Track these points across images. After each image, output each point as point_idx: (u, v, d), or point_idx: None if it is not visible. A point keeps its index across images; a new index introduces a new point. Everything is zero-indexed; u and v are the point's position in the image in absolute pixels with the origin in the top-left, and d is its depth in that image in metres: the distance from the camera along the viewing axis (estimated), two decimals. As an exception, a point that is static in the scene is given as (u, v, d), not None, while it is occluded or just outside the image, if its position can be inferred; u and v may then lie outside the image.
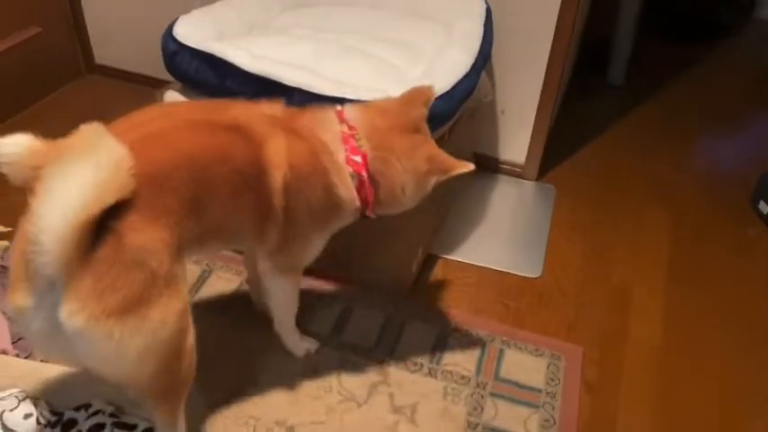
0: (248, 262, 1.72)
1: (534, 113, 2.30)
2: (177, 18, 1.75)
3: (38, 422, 1.38)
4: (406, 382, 1.62)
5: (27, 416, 1.38)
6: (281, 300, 1.57)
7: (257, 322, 1.71)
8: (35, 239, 0.94)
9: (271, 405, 1.54)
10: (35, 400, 1.42)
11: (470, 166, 1.39)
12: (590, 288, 1.97)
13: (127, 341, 1.04)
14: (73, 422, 1.39)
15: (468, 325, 1.80)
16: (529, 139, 2.36)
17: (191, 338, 1.19)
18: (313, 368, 1.63)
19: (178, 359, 1.16)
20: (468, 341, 1.75)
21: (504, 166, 2.45)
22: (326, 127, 1.35)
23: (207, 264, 1.91)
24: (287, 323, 1.61)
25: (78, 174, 0.95)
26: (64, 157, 0.97)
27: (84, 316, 0.99)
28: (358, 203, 1.38)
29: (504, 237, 2.17)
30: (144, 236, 1.05)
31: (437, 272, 1.98)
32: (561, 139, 2.59)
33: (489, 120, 2.37)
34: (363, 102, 1.45)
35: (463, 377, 1.65)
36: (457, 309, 1.86)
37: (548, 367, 1.69)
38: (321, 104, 1.48)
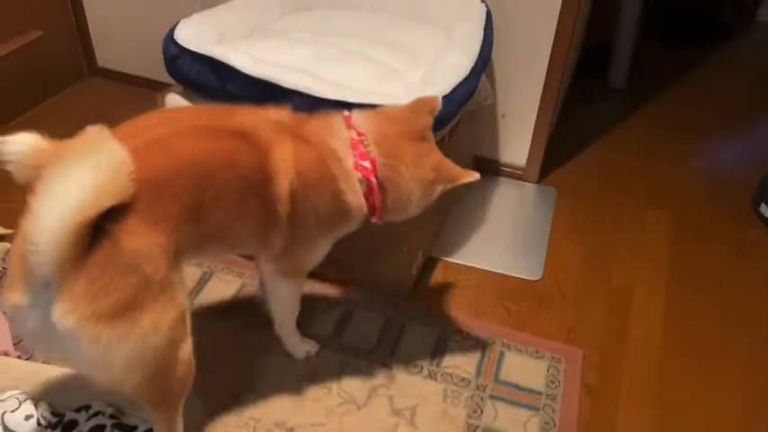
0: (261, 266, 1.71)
1: (535, 116, 2.30)
2: (178, 22, 1.76)
3: (38, 423, 1.38)
4: (405, 384, 1.62)
5: (28, 417, 1.38)
6: (284, 302, 1.57)
7: (258, 324, 1.71)
8: (32, 238, 0.95)
9: (271, 407, 1.54)
10: (36, 402, 1.43)
11: (476, 176, 1.39)
12: (590, 290, 1.97)
13: (114, 346, 1.03)
14: (73, 423, 1.40)
15: (468, 327, 1.80)
16: (529, 142, 2.36)
17: (186, 348, 1.18)
18: (313, 370, 1.63)
19: (169, 369, 1.16)
20: (468, 344, 1.75)
21: (505, 169, 2.45)
22: (335, 133, 1.35)
23: (208, 266, 1.91)
24: (288, 325, 1.62)
25: (77, 175, 0.95)
26: (64, 157, 0.97)
27: (75, 317, 1.00)
28: (365, 210, 1.38)
29: (504, 239, 2.17)
30: (141, 241, 1.05)
31: (437, 274, 1.98)
32: (562, 141, 2.60)
33: (490, 123, 2.37)
34: (370, 108, 1.45)
35: (463, 379, 1.65)
36: (457, 311, 1.86)
37: (548, 370, 1.69)
38: (323, 108, 1.48)
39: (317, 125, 1.36)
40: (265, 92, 1.59)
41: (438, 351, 1.72)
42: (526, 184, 2.43)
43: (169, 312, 1.10)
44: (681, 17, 3.68)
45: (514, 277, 2.00)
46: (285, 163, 1.26)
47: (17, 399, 1.41)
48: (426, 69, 1.76)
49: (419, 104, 1.44)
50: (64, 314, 1.00)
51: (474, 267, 2.01)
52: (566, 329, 1.83)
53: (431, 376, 1.65)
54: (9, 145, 1.04)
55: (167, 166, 1.13)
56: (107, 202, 0.99)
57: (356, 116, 1.39)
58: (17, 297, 1.04)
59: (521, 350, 1.74)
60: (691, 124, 2.91)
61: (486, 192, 2.36)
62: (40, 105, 2.63)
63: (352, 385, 1.61)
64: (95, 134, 1.02)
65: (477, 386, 1.64)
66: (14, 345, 1.60)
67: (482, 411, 1.58)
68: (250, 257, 1.84)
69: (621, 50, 3.08)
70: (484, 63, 1.87)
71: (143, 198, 1.06)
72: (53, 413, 1.42)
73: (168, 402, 1.23)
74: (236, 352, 1.66)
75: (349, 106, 1.53)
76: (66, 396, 1.46)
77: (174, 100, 1.74)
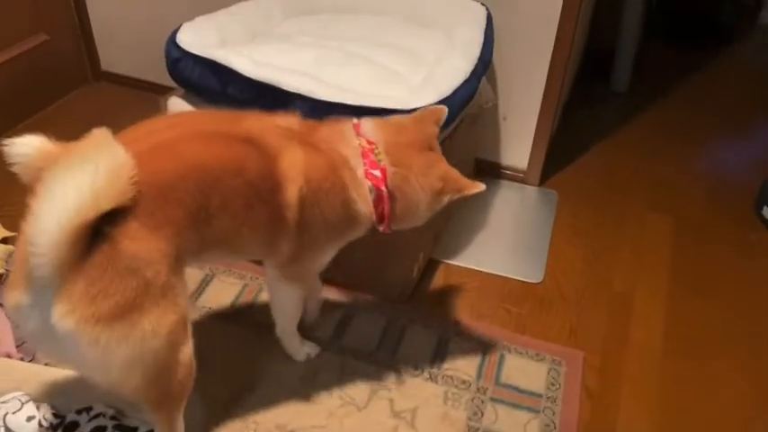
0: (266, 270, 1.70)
1: (536, 119, 2.30)
2: (181, 25, 1.77)
3: (40, 425, 1.39)
4: (406, 386, 1.63)
5: (30, 418, 1.39)
6: (286, 306, 1.57)
7: (258, 326, 1.72)
8: (32, 240, 0.95)
9: (271, 409, 1.54)
10: (38, 403, 1.43)
11: (482, 187, 1.40)
12: (592, 293, 1.97)
13: (113, 348, 1.04)
14: (75, 425, 1.41)
15: (469, 330, 1.80)
16: (531, 145, 2.36)
17: (186, 352, 1.18)
18: (313, 373, 1.64)
19: (169, 372, 1.16)
20: (468, 346, 1.75)
21: (507, 172, 2.45)
22: (346, 141, 1.35)
23: (209, 268, 1.92)
24: (289, 328, 1.62)
25: (75, 178, 0.96)
26: (64, 160, 0.98)
27: (74, 319, 1.00)
28: (374, 218, 1.38)
29: (505, 242, 2.17)
30: (141, 245, 1.05)
31: (439, 277, 1.99)
32: (564, 144, 2.60)
33: (491, 126, 2.38)
34: (375, 114, 1.45)
35: (464, 382, 1.65)
36: (458, 314, 1.86)
37: (548, 372, 1.69)
38: (325, 111, 1.49)
39: (328, 132, 1.35)
40: (267, 95, 1.60)
41: (439, 353, 1.72)
42: (527, 186, 2.43)
43: (169, 316, 1.10)
44: (683, 20, 3.67)
45: (515, 280, 2.00)
46: (294, 170, 1.26)
47: (19, 400, 1.42)
48: (427, 72, 1.77)
49: (426, 114, 1.45)
50: (63, 316, 1.01)
51: (475, 270, 2.02)
52: (566, 332, 1.83)
53: (431, 378, 1.65)
54: (16, 147, 1.05)
55: (172, 170, 1.13)
56: (106, 206, 0.99)
57: (365, 124, 1.39)
58: (18, 297, 1.05)
59: (521, 353, 1.75)
60: (693, 127, 2.91)
61: (487, 194, 2.36)
62: (45, 109, 2.65)
63: (353, 387, 1.61)
64: (97, 137, 1.03)
65: (478, 388, 1.64)
66: (17, 347, 1.61)
67: (483, 414, 1.58)
68: (256, 261, 1.84)
69: (624, 53, 3.08)
70: (484, 66, 1.87)
71: (145, 202, 1.07)
72: (55, 415, 1.42)
73: (169, 404, 1.24)
74: (236, 354, 1.67)
75: (351, 109, 1.54)
76: (67, 398, 1.47)
77: (177, 103, 1.75)
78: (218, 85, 1.65)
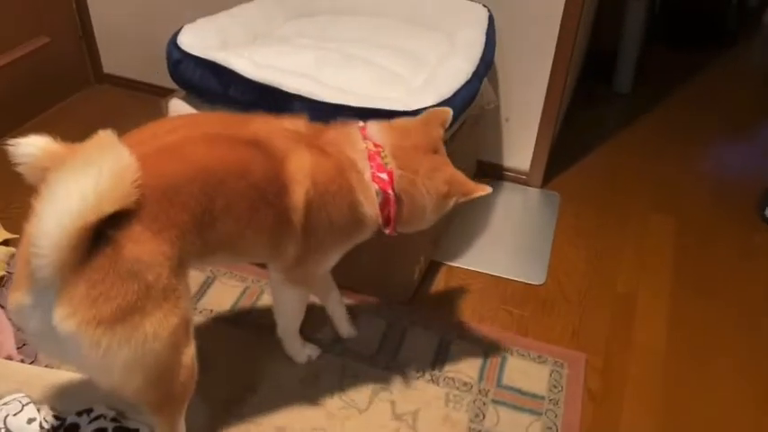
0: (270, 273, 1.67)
1: (538, 121, 2.30)
2: (182, 27, 1.77)
3: (41, 427, 1.39)
4: (407, 388, 1.62)
5: (30, 420, 1.39)
6: (289, 309, 1.57)
7: (259, 329, 1.72)
8: (34, 241, 0.95)
9: (272, 411, 1.54)
10: (39, 405, 1.43)
11: (488, 189, 1.41)
12: (594, 294, 1.97)
13: (114, 351, 1.04)
14: (75, 427, 1.40)
15: (470, 332, 1.79)
16: (533, 147, 2.36)
17: (188, 354, 1.18)
18: (314, 375, 1.63)
19: (170, 374, 1.16)
20: (470, 348, 1.74)
21: (509, 173, 2.45)
22: (353, 144, 1.35)
23: (211, 270, 1.92)
24: (291, 330, 1.62)
25: (79, 180, 0.95)
26: (68, 162, 0.98)
27: (75, 321, 1.00)
28: (381, 221, 1.38)
29: (508, 243, 2.16)
30: (143, 248, 1.05)
31: (440, 279, 1.98)
32: (566, 146, 2.60)
33: (494, 127, 2.37)
34: (381, 118, 1.45)
35: (465, 384, 1.65)
36: (460, 315, 1.85)
37: (551, 374, 1.69)
38: (326, 113, 1.49)
39: (335, 135, 1.35)
40: (267, 96, 1.60)
41: (440, 355, 1.71)
42: (530, 188, 2.43)
43: (171, 319, 1.10)
44: (686, 21, 3.67)
45: (518, 281, 1.99)
46: (301, 172, 1.26)
47: (20, 402, 1.42)
48: (428, 74, 1.76)
49: (431, 117, 1.45)
50: (64, 318, 1.00)
51: (477, 272, 2.01)
52: (569, 334, 1.82)
53: (433, 381, 1.65)
54: (21, 147, 1.05)
55: (176, 173, 1.13)
56: (108, 208, 0.99)
57: (371, 127, 1.39)
58: (20, 297, 1.05)
59: (523, 355, 1.74)
60: (696, 128, 2.90)
61: (489, 196, 2.34)
62: (46, 111, 2.65)
63: (354, 390, 1.61)
64: (103, 139, 1.03)
65: (480, 391, 1.63)
66: (18, 349, 1.61)
67: (484, 416, 1.57)
68: (258, 264, 1.84)
69: (627, 55, 3.08)
70: (486, 67, 1.87)
71: (149, 205, 1.06)
72: (55, 417, 1.42)
73: (171, 407, 1.23)
74: (237, 356, 1.66)
75: (351, 110, 1.54)
76: (68, 399, 1.47)
77: (177, 105, 1.75)
78: (218, 87, 1.65)
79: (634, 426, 1.59)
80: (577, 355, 1.75)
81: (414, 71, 1.78)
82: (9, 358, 1.59)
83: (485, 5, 2.07)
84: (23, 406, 1.41)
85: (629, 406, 1.64)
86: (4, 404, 1.42)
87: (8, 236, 1.91)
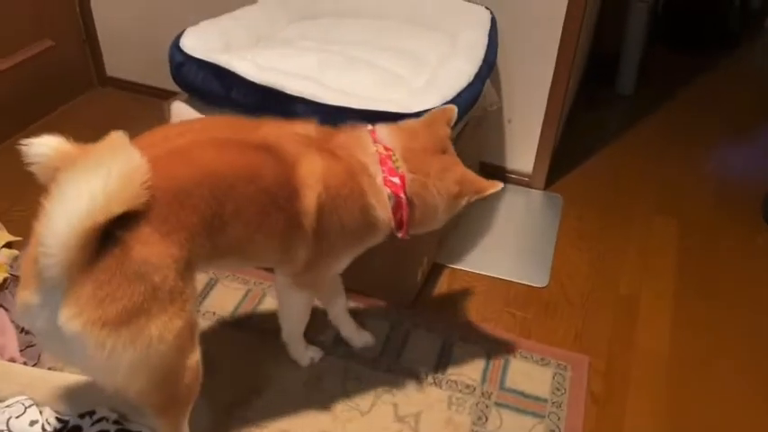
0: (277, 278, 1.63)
1: (541, 123, 2.30)
2: (185, 29, 1.77)
3: (43, 429, 1.39)
4: (410, 391, 1.62)
5: (33, 423, 1.39)
6: (295, 312, 1.57)
7: (262, 332, 1.72)
8: (42, 240, 0.96)
9: (275, 414, 1.54)
10: (41, 408, 1.44)
11: (499, 185, 1.40)
12: (597, 297, 1.96)
13: (119, 352, 1.04)
14: (77, 429, 1.40)
15: (473, 334, 1.79)
16: (536, 149, 2.36)
17: (193, 358, 1.18)
18: (317, 377, 1.63)
19: (175, 377, 1.16)
20: (473, 350, 1.74)
21: (512, 176, 2.44)
22: (365, 148, 1.35)
23: (213, 273, 1.92)
24: (296, 334, 1.62)
25: (89, 181, 0.96)
26: (79, 162, 0.98)
27: (81, 321, 1.00)
28: (393, 225, 1.38)
29: (511, 246, 2.16)
30: (151, 250, 1.05)
31: (443, 281, 1.98)
32: (569, 148, 2.59)
33: (496, 129, 2.37)
34: (392, 122, 1.45)
35: (468, 386, 1.64)
36: (463, 318, 1.85)
37: (553, 377, 1.68)
38: (328, 115, 1.49)
39: (346, 139, 1.35)
40: (270, 99, 1.60)
41: (443, 358, 1.71)
42: (532, 190, 2.43)
43: (176, 322, 1.09)
44: (688, 23, 3.66)
45: (520, 284, 1.99)
46: (312, 177, 1.25)
47: (22, 404, 1.42)
48: (430, 75, 1.76)
49: (436, 116, 1.45)
50: (70, 318, 1.01)
51: (480, 274, 2.01)
52: (572, 336, 1.82)
53: (435, 383, 1.64)
54: (35, 147, 1.05)
55: (187, 176, 1.13)
56: (117, 209, 0.99)
57: (380, 130, 1.39)
58: (28, 296, 1.05)
59: (526, 357, 1.73)
60: (699, 130, 2.90)
61: (492, 198, 2.35)
62: (50, 114, 2.66)
63: (357, 392, 1.60)
64: (114, 141, 1.03)
65: (482, 393, 1.63)
66: (21, 351, 1.61)
67: (487, 419, 1.57)
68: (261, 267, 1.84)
69: (629, 57, 3.07)
70: (488, 69, 1.87)
71: (158, 207, 1.06)
72: (58, 419, 1.42)
73: (175, 410, 1.23)
74: (240, 359, 1.66)
75: (354, 113, 1.54)
76: (70, 402, 1.47)
77: (180, 108, 1.75)
78: (221, 90, 1.66)
79: (637, 428, 1.59)
80: (580, 357, 1.74)
81: (416, 73, 1.78)
82: (12, 360, 1.59)
83: (487, 7, 2.07)
84: (26, 408, 1.42)
85: (632, 408, 1.63)
86: (7, 406, 1.42)
87: (11, 238, 1.91)
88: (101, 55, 2.83)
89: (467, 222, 2.20)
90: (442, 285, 1.97)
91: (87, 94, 2.83)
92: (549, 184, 2.43)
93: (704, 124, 2.94)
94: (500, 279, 2.00)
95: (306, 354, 1.65)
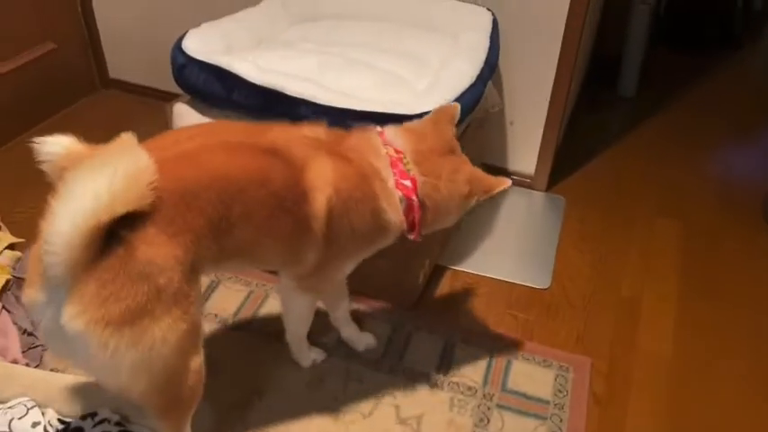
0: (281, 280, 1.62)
1: (543, 124, 2.30)
2: (187, 31, 1.77)
3: (45, 430, 1.39)
4: (412, 393, 1.62)
5: (35, 424, 1.39)
6: (298, 315, 1.57)
7: (264, 333, 1.72)
8: (47, 239, 0.96)
9: (277, 415, 1.54)
10: (43, 409, 1.44)
11: (508, 182, 1.41)
12: (599, 299, 1.96)
13: (122, 353, 1.04)
14: (79, 430, 1.40)
15: (475, 336, 1.79)
16: (538, 150, 2.36)
17: (197, 360, 1.18)
18: (320, 379, 1.63)
19: (178, 380, 1.16)
20: (475, 352, 1.74)
21: (513, 177, 2.43)
22: (375, 150, 1.35)
23: (215, 275, 1.92)
24: (300, 335, 1.62)
25: (94, 180, 0.96)
26: (85, 162, 0.98)
27: (84, 320, 1.00)
28: (405, 227, 1.38)
29: (512, 248, 2.16)
30: (156, 250, 1.05)
31: (445, 283, 1.98)
32: (571, 150, 2.59)
33: (498, 130, 2.37)
34: (399, 124, 1.45)
35: (470, 388, 1.64)
36: (464, 320, 1.85)
37: (555, 379, 1.68)
38: (329, 116, 1.49)
39: (356, 142, 1.35)
40: (271, 100, 1.60)
41: (445, 360, 1.71)
42: (534, 192, 2.42)
43: (180, 324, 1.09)
44: (691, 24, 3.66)
45: (522, 286, 1.99)
46: (322, 180, 1.25)
47: (24, 406, 1.42)
48: (432, 77, 1.76)
49: (440, 115, 1.44)
50: (73, 317, 1.01)
51: (482, 276, 2.01)
52: (574, 338, 1.82)
53: (437, 385, 1.64)
54: (47, 145, 1.06)
55: (194, 179, 1.13)
56: (121, 209, 0.99)
57: (389, 132, 1.39)
58: (33, 294, 1.06)
59: (528, 359, 1.73)
60: (701, 131, 2.89)
61: (494, 200, 2.36)
62: (53, 117, 2.66)
63: (359, 394, 1.60)
64: (123, 142, 1.04)
65: (484, 395, 1.63)
66: (23, 352, 1.62)
67: (489, 421, 1.57)
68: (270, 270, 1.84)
69: (631, 59, 3.07)
70: (490, 70, 1.87)
71: (166, 208, 1.06)
72: (60, 420, 1.42)
73: (177, 412, 1.23)
74: (242, 360, 1.66)
75: (355, 114, 1.54)
76: (72, 403, 1.47)
77: (182, 109, 1.75)
78: (223, 91, 1.66)
79: (639, 430, 1.59)
80: (582, 359, 1.74)
81: (417, 75, 1.78)
82: (14, 362, 1.59)
83: (489, 9, 2.07)
84: (28, 410, 1.42)
85: (634, 410, 1.63)
86: (9, 408, 1.42)
87: (14, 240, 1.91)
88: (103, 57, 2.83)
89: (469, 224, 2.20)
90: (444, 287, 1.96)
91: (90, 97, 2.84)
92: (550, 185, 2.43)
93: (706, 126, 2.94)
94: (502, 281, 1.99)
95: (308, 355, 1.65)
